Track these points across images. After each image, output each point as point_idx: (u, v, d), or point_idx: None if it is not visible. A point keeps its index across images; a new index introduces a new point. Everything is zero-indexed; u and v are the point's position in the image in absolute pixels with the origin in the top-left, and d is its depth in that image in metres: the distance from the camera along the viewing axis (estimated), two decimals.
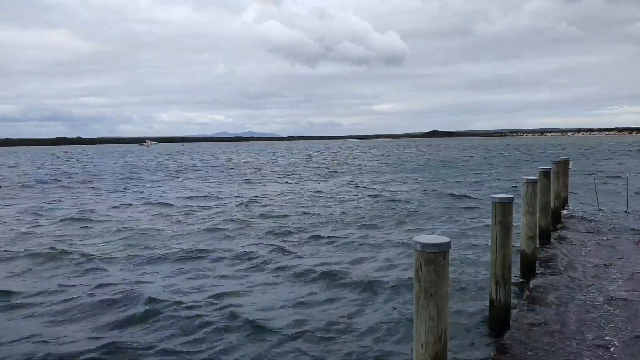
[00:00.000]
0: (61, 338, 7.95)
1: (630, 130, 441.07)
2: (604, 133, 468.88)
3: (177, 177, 43.95)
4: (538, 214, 10.24)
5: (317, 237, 15.25)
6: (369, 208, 21.43)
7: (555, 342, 6.28)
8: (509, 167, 49.56)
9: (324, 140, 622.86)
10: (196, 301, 9.51)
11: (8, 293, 10.20)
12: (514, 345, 6.27)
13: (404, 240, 14.24)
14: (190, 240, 15.37)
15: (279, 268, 11.81)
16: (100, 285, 10.64)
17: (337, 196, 26.21)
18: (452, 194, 25.60)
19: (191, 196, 27.76)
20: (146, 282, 10.87)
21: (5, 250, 14.15)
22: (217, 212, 21.12)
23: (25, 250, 14.08)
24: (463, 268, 11.15)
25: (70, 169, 60.61)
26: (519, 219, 9.20)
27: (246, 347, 7.47)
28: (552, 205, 12.43)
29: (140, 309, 9.06)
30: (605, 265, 9.61)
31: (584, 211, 16.70)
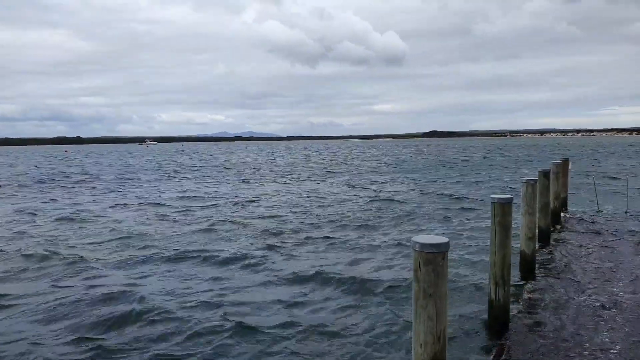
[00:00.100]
0: (49, 340, 7.86)
1: (630, 130, 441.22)
2: (603, 133, 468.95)
3: (175, 177, 43.81)
4: (537, 215, 10.23)
5: (314, 238, 15.17)
6: (366, 209, 21.32)
7: (554, 343, 6.27)
8: (508, 167, 49.55)
9: (324, 140, 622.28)
10: (189, 302, 9.40)
11: None
12: (513, 346, 6.26)
13: (400, 241, 14.18)
14: (184, 240, 15.27)
15: (274, 269, 11.71)
16: (91, 287, 10.51)
17: (334, 197, 26.12)
18: (450, 195, 25.57)
19: (187, 196, 27.67)
20: (138, 283, 10.75)
21: None
22: (212, 213, 21.00)
23: (17, 250, 13.98)
24: (462, 268, 11.13)
25: (69, 169, 60.58)
26: (518, 219, 9.21)
27: (240, 350, 7.38)
28: (551, 205, 12.42)
29: (132, 310, 8.95)
30: (604, 266, 9.61)
31: (584, 212, 16.69)
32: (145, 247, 14.35)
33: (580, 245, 11.32)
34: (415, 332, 4.11)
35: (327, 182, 36.27)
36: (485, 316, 7.38)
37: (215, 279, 11.12)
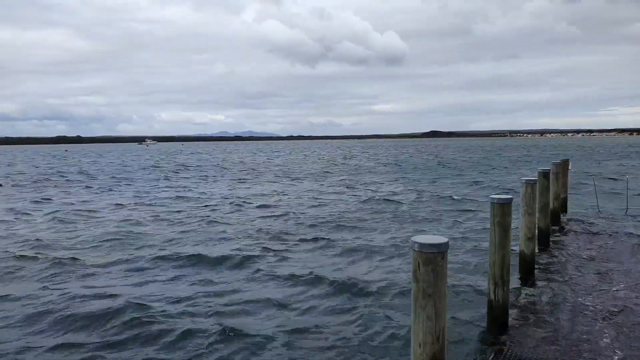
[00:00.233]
0: (35, 343, 7.72)
1: (631, 131, 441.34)
2: (604, 134, 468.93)
3: (172, 177, 43.61)
4: (537, 215, 10.22)
5: (310, 239, 15.10)
6: (363, 210, 21.24)
7: (553, 343, 6.27)
8: (507, 168, 49.55)
9: (323, 140, 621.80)
10: (180, 304, 9.28)
11: None
12: (512, 346, 6.26)
13: (398, 242, 14.14)
14: (178, 241, 15.14)
15: (269, 270, 11.59)
16: (80, 289, 10.40)
17: (331, 197, 26.04)
18: (449, 195, 25.57)
19: (183, 196, 27.54)
20: (128, 285, 10.62)
21: None
22: (207, 213, 20.88)
23: (5, 252, 13.83)
24: (461, 269, 11.13)
25: (67, 169, 60.49)
26: (518, 220, 9.20)
27: (233, 354, 7.27)
28: (551, 206, 12.40)
29: (121, 313, 8.81)
30: (604, 267, 9.61)
31: (584, 213, 16.69)
32: (137, 248, 14.21)
33: (580, 246, 11.31)
34: (414, 332, 4.11)
35: (324, 182, 36.22)
36: (485, 316, 7.37)
37: (209, 281, 10.98)
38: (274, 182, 37.23)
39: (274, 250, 13.68)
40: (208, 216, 19.91)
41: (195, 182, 37.69)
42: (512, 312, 7.30)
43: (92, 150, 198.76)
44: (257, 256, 13.03)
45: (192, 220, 19.24)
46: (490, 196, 6.96)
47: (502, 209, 6.79)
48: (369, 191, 28.60)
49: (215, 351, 7.39)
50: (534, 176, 10.07)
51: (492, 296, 6.95)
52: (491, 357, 6.14)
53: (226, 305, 9.31)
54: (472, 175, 39.75)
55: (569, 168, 17.20)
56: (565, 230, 13.15)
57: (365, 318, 8.52)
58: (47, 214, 21.20)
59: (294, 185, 34.10)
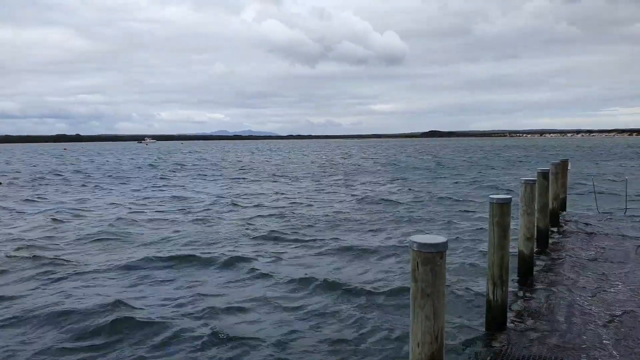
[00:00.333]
0: (20, 347, 7.54)
1: (630, 131, 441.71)
2: (603, 134, 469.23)
3: (169, 177, 43.31)
4: (536, 215, 10.22)
5: (305, 240, 14.97)
6: (360, 210, 21.12)
7: (552, 344, 6.27)
8: (507, 168, 49.55)
9: (323, 140, 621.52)
10: (172, 306, 9.14)
11: None
12: (510, 346, 6.26)
13: (395, 242, 14.09)
14: (171, 242, 14.93)
15: (262, 271, 11.41)
16: (68, 289, 10.25)
17: (329, 197, 25.93)
18: (448, 195, 25.56)
19: (178, 196, 27.32)
20: (119, 288, 10.42)
21: None
22: (202, 213, 20.65)
23: None
24: (460, 269, 11.13)
25: (64, 167, 60.43)
26: (517, 220, 9.20)
27: (226, 357, 7.16)
28: (550, 206, 12.41)
29: (111, 316, 8.58)
30: (603, 268, 9.61)
31: (583, 213, 16.69)
32: (129, 248, 14.04)
33: (579, 247, 11.31)
34: (412, 331, 4.11)
35: (322, 182, 36.11)
36: (483, 316, 7.37)
37: (201, 281, 10.78)
38: (271, 181, 37.13)
39: (269, 250, 13.57)
40: (203, 216, 19.73)
41: (192, 181, 37.56)
42: (511, 313, 7.30)
43: (91, 148, 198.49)
44: (252, 256, 12.90)
45: (186, 219, 19.05)
46: (490, 196, 6.96)
47: (501, 209, 6.78)
48: (366, 191, 28.51)
49: (207, 352, 7.29)
50: (533, 176, 10.07)
51: (491, 296, 6.95)
52: (489, 357, 6.15)
53: (219, 306, 9.18)
54: (471, 176, 39.75)
55: (569, 168, 17.21)
56: (564, 231, 13.15)
57: (361, 318, 8.46)
58: (39, 213, 21.01)
59: (291, 184, 34.02)
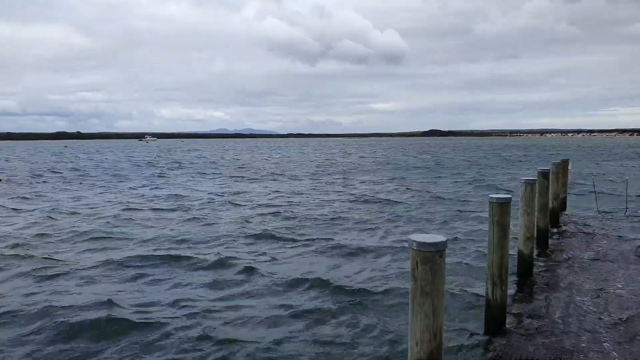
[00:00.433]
0: (7, 349, 7.41)
1: (631, 131, 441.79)
2: (604, 134, 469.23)
3: (167, 175, 42.90)
4: (536, 215, 10.23)
5: (302, 239, 14.77)
6: (357, 209, 20.93)
7: (551, 343, 6.28)
8: (506, 168, 49.54)
9: (323, 139, 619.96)
10: (163, 307, 8.99)
11: None
12: (509, 345, 6.27)
13: (394, 242, 14.00)
14: (166, 241, 14.72)
15: (258, 270, 11.23)
16: (58, 289, 10.07)
17: (325, 196, 25.68)
18: (447, 194, 25.53)
19: (175, 194, 27.04)
20: (110, 289, 10.17)
21: None
22: (198, 212, 20.42)
23: None
24: (459, 268, 11.11)
25: (63, 165, 60.29)
26: (517, 219, 9.20)
27: (220, 358, 7.08)
28: (550, 206, 12.41)
29: (101, 318, 8.37)
30: (602, 268, 9.62)
31: (583, 213, 16.69)
32: (123, 247, 13.80)
33: (579, 247, 11.32)
34: (411, 329, 4.12)
35: (321, 180, 35.92)
36: (482, 316, 7.38)
37: (196, 282, 10.61)
38: (269, 180, 36.87)
39: (265, 250, 13.44)
40: (200, 215, 19.52)
41: (190, 180, 37.32)
42: (510, 312, 7.31)
43: (91, 146, 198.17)
44: (248, 255, 12.78)
45: (183, 218, 18.88)
46: (489, 195, 6.96)
47: (501, 208, 6.78)
48: (365, 190, 28.37)
49: (200, 353, 7.20)
50: (533, 176, 10.07)
51: (490, 296, 6.96)
52: (488, 356, 6.16)
53: (213, 305, 9.07)
54: (471, 175, 39.71)
55: (569, 168, 17.21)
56: (564, 231, 13.16)
57: (356, 318, 8.40)
58: (35, 210, 20.85)
59: (289, 183, 33.85)
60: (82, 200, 24.73)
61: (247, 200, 24.58)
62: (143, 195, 26.86)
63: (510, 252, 7.09)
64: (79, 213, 20.38)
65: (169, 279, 10.90)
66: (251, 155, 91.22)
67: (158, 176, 41.23)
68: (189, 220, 18.49)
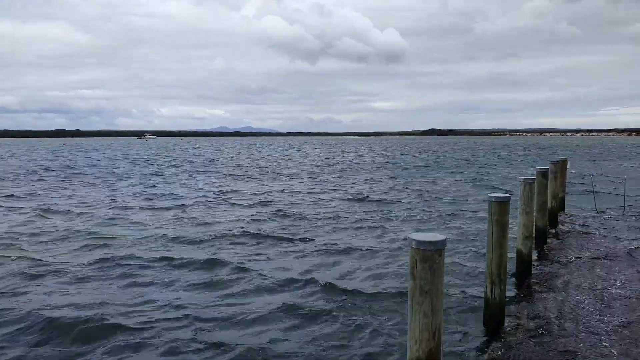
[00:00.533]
0: None
1: (630, 131, 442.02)
2: (603, 134, 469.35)
3: (164, 173, 42.57)
4: (535, 214, 10.24)
5: (298, 239, 14.63)
6: (354, 208, 20.80)
7: (549, 342, 6.30)
8: (506, 167, 49.56)
9: (322, 137, 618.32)
10: (154, 308, 8.85)
11: None
12: (508, 344, 6.29)
13: (393, 242, 13.96)
14: (159, 241, 14.48)
15: (253, 271, 11.07)
16: (47, 290, 9.89)
17: (323, 195, 25.50)
18: (445, 194, 25.51)
19: (172, 193, 26.81)
20: (99, 291, 9.95)
21: None
22: (194, 212, 20.06)
23: None
24: (458, 267, 11.12)
25: (59, 163, 59.92)
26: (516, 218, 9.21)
27: None
28: (549, 205, 12.43)
29: (91, 321, 8.17)
30: (601, 266, 9.64)
31: (582, 212, 16.70)
32: (116, 248, 13.53)
33: (577, 246, 11.34)
34: (410, 328, 4.13)
35: (320, 179, 35.76)
36: (481, 314, 7.40)
37: (189, 283, 10.43)
38: (268, 178, 36.75)
39: (260, 250, 13.33)
40: (196, 214, 19.31)
41: (187, 178, 37.05)
42: (509, 311, 7.33)
43: (90, 144, 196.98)
44: (243, 255, 12.65)
45: (178, 217, 18.65)
46: (488, 195, 6.98)
47: (500, 207, 6.80)
48: (364, 189, 28.27)
49: (193, 355, 7.12)
50: (532, 175, 10.08)
51: (489, 294, 6.97)
52: (487, 354, 6.17)
53: (205, 307, 8.94)
54: (470, 174, 39.70)
55: (568, 167, 17.22)
56: (562, 230, 13.18)
57: (353, 317, 8.37)
58: (27, 209, 20.53)
59: (287, 182, 33.61)
60: (76, 199, 24.46)
61: (244, 199, 24.38)
62: (138, 194, 26.56)
63: (508, 252, 7.11)
64: (72, 212, 20.05)
65: (162, 278, 10.75)
66: (250, 153, 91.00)
67: (155, 175, 40.82)
68: (184, 219, 18.27)
